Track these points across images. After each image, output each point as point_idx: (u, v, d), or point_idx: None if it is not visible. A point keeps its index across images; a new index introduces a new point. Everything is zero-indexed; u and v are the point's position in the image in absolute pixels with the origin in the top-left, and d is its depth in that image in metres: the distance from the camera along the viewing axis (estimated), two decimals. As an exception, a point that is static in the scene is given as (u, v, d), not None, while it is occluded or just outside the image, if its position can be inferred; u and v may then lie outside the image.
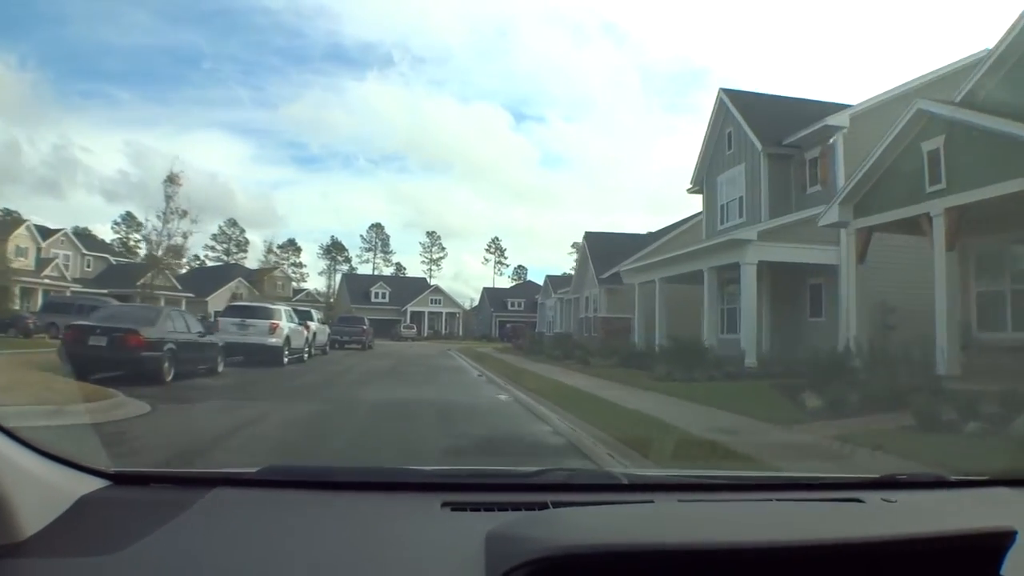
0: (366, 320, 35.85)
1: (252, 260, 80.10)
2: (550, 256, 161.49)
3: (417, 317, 69.96)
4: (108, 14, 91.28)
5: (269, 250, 78.85)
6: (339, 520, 1.52)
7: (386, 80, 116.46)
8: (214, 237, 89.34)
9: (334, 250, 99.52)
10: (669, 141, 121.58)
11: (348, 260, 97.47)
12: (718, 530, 1.23)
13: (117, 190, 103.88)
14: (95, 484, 1.55)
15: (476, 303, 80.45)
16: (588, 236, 35.63)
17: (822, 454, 6.68)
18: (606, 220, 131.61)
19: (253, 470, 1.75)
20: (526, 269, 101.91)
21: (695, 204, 25.14)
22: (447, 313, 73.37)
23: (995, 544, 1.17)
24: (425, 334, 67.12)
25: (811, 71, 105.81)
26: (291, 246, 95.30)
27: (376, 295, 71.68)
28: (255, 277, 65.79)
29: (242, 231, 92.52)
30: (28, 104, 78.66)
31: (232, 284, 61.39)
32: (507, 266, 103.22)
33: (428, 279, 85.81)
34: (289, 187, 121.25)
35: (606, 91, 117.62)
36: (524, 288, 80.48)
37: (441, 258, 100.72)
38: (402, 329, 63.43)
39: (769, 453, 6.34)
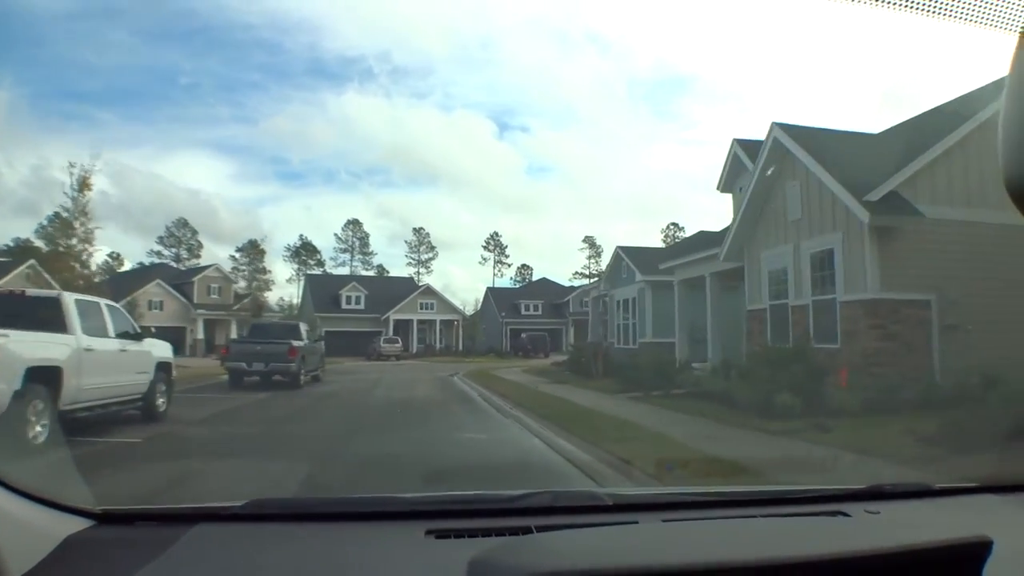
0: (303, 330, 18.98)
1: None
2: (541, 265, 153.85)
3: (403, 327, 52.93)
4: (86, 34, 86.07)
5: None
6: (324, 552, 1.48)
7: (367, 93, 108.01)
8: (160, 240, 74.79)
9: (303, 252, 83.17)
10: (657, 148, 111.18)
11: (321, 264, 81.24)
12: (702, 550, 1.21)
13: (97, 210, 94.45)
14: (80, 524, 1.51)
15: (479, 306, 63.28)
16: (789, 131, 14.09)
17: None
18: (596, 227, 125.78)
19: (238, 504, 1.68)
20: (531, 268, 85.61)
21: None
22: (442, 321, 56.14)
23: (974, 554, 1.16)
24: (414, 349, 50.54)
25: (805, 71, 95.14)
26: (253, 249, 79.15)
27: (349, 300, 54.54)
28: (182, 279, 49.30)
29: (194, 233, 76.33)
30: (5, 125, 70.99)
31: (148, 288, 45.14)
32: (508, 265, 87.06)
33: (416, 280, 68.94)
34: (272, 203, 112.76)
35: (592, 100, 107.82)
36: (540, 288, 63.58)
37: (431, 259, 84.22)
38: (382, 344, 46.37)
39: None
